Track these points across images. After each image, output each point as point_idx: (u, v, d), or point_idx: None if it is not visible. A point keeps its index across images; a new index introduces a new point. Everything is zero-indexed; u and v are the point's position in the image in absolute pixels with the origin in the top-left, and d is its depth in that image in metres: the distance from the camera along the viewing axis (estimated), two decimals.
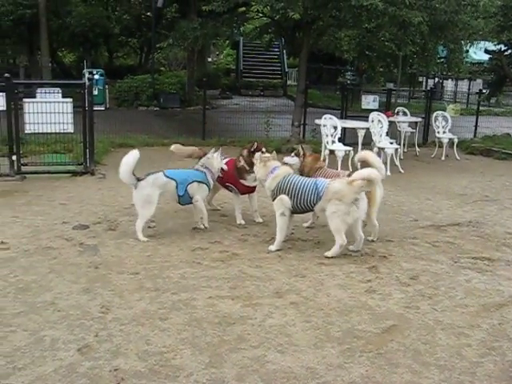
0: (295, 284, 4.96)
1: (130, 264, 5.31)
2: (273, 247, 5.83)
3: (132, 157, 5.93)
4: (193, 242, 6.01)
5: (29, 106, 9.23)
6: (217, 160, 6.44)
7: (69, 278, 4.95)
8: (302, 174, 6.36)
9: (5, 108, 9.03)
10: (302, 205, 5.76)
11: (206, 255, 5.61)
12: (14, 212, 6.95)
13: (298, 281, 5.04)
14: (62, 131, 9.36)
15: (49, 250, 5.67)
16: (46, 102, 9.25)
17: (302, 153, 6.66)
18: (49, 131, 9.32)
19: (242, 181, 6.59)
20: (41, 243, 5.85)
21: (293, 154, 6.78)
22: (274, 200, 5.88)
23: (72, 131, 9.40)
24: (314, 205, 5.74)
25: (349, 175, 5.89)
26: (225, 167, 6.55)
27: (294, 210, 5.86)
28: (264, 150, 6.48)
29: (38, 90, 11.69)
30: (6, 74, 9.22)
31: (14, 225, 6.46)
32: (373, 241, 6.23)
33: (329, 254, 5.69)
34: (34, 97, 10.65)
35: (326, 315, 4.38)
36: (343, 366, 3.67)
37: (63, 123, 9.14)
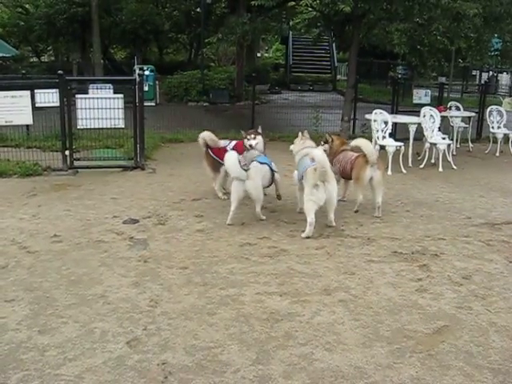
0: (344, 281, 4.90)
1: (178, 258, 5.35)
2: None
3: (234, 154, 6.42)
4: (241, 237, 6.01)
5: (81, 101, 9.38)
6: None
7: (119, 272, 5.02)
8: (333, 157, 7.30)
9: (58, 104, 9.25)
10: None
11: (254, 251, 5.60)
12: (67, 206, 7.11)
13: (347, 278, 4.97)
14: (113, 126, 9.48)
15: (100, 243, 5.77)
16: (97, 98, 9.39)
17: (330, 139, 7.55)
18: (100, 126, 9.45)
19: None
20: (92, 237, 5.96)
21: (322, 143, 7.55)
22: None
23: (123, 126, 9.52)
24: None
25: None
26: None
27: None
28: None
29: (90, 86, 11.91)
30: (60, 71, 9.43)
31: (67, 218, 6.60)
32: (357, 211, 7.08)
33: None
34: (87, 93, 10.83)
35: (376, 314, 4.31)
36: (392, 367, 3.59)
37: (114, 119, 9.24)
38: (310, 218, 6.04)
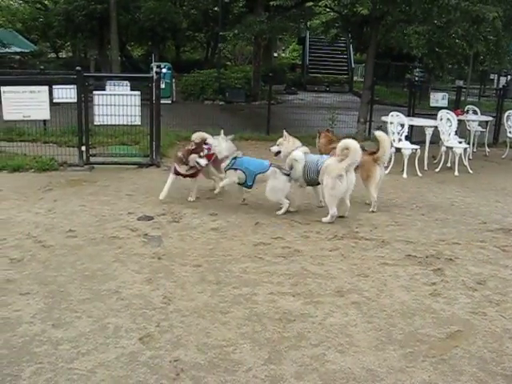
0: (357, 283, 4.88)
1: (192, 256, 5.36)
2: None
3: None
4: (255, 236, 6.01)
5: (98, 98, 9.43)
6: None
7: (133, 268, 5.05)
8: (321, 153, 7.61)
9: (75, 100, 9.31)
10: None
11: (268, 250, 5.59)
12: (82, 201, 7.15)
13: (361, 280, 4.95)
14: (129, 123, 9.53)
15: (114, 239, 5.80)
16: (114, 95, 9.43)
17: (318, 135, 8.11)
18: (117, 123, 9.50)
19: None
20: (107, 232, 5.99)
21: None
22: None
23: (139, 124, 9.56)
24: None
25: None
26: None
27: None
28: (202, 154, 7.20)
29: (108, 83, 11.97)
30: (78, 67, 9.49)
31: (82, 213, 6.64)
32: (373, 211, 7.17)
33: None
34: (104, 89, 10.89)
35: (389, 317, 4.29)
36: (405, 370, 3.58)
37: (131, 116, 9.28)
38: (333, 210, 6.57)
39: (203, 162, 7.11)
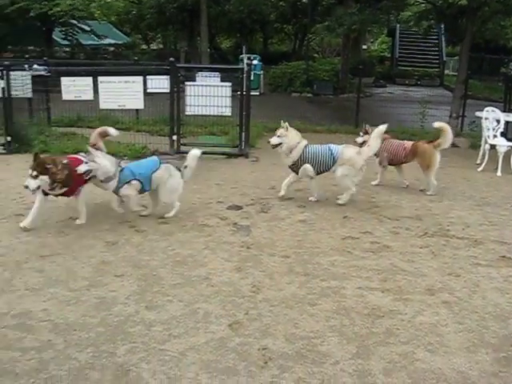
0: (448, 283, 4.75)
1: (280, 247, 5.40)
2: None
3: None
4: (343, 230, 5.97)
5: (190, 88, 9.64)
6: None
7: (222, 256, 5.15)
8: None
9: (168, 90, 9.56)
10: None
11: (356, 245, 5.55)
12: None
13: (452, 280, 4.82)
14: (219, 114, 9.68)
15: (204, 227, 5.93)
16: (206, 86, 9.60)
17: (368, 130, 7.68)
18: (207, 114, 9.67)
19: None
20: (197, 220, 6.14)
21: (361, 133, 7.83)
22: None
23: (230, 114, 9.69)
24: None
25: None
26: None
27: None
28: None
29: (198, 74, 12.20)
30: (171, 58, 9.73)
31: None
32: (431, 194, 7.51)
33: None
34: (193, 80, 11.12)
35: (481, 319, 4.16)
36: (498, 375, 3.46)
37: (222, 106, 9.43)
38: (353, 190, 6.85)
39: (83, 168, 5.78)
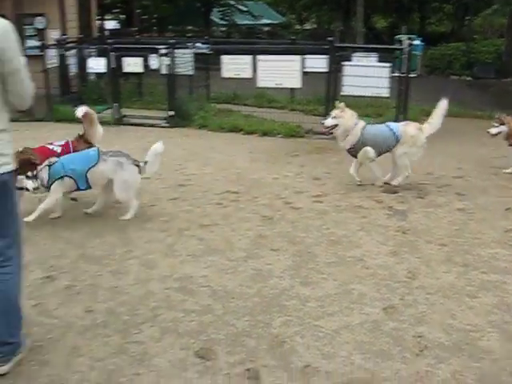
0: None
1: (437, 235, 5.22)
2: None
3: None
4: (506, 222, 5.61)
5: (348, 68, 9.56)
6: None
7: (377, 239, 5.09)
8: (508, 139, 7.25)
9: (325, 70, 9.55)
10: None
11: None
12: (328, 169, 7.41)
13: None
14: (376, 95, 9.51)
15: (359, 208, 5.90)
16: (364, 66, 9.48)
17: (505, 120, 7.24)
18: (364, 94, 9.53)
19: None
20: (352, 201, 6.12)
21: (496, 124, 7.31)
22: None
23: (388, 96, 9.49)
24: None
25: None
26: None
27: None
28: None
29: (354, 54, 12.04)
30: (330, 38, 9.70)
31: (327, 180, 6.87)
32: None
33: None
34: (349, 60, 11.01)
35: None
36: None
37: (379, 87, 9.24)
38: (408, 171, 6.55)
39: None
